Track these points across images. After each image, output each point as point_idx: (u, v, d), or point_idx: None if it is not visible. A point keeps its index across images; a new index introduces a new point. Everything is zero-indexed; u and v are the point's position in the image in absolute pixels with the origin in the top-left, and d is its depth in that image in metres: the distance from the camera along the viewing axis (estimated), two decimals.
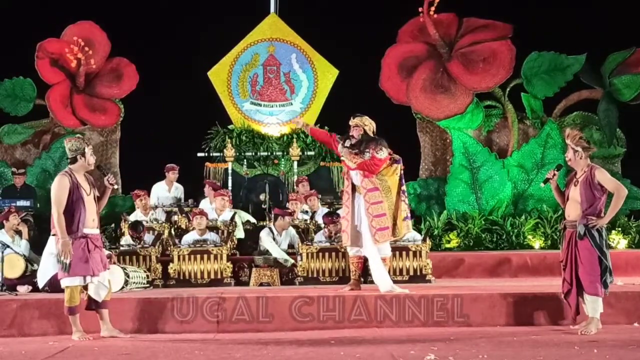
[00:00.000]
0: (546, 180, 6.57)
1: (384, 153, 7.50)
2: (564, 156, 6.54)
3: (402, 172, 7.74)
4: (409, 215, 7.78)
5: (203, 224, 9.13)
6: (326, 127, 13.28)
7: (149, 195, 10.71)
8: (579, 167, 6.37)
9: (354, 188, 7.66)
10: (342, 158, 7.70)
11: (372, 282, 8.68)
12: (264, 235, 9.23)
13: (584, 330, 6.21)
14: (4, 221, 9.09)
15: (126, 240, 9.35)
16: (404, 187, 7.73)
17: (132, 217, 10.08)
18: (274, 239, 9.14)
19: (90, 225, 6.34)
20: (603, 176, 6.28)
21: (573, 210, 6.34)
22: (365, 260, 7.90)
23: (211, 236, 9.10)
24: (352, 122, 7.71)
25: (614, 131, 12.21)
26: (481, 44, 12.17)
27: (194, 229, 9.67)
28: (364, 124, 7.64)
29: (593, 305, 6.23)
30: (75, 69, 12.47)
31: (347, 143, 7.64)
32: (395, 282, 8.63)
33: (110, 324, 6.47)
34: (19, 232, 9.20)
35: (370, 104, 12.67)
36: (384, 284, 7.46)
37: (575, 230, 6.27)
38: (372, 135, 7.64)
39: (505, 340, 5.94)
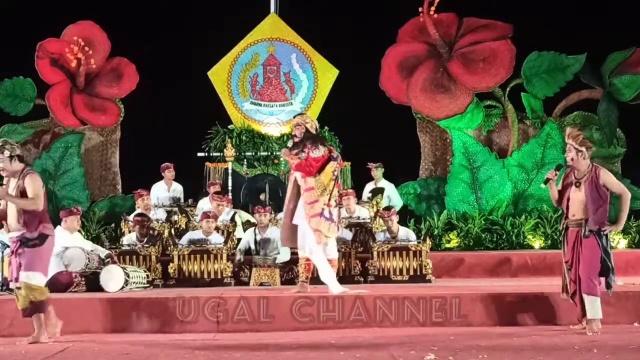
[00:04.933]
0: (547, 181, 6.45)
1: (319, 151, 7.42)
2: (565, 156, 6.41)
3: (337, 171, 7.49)
4: (332, 217, 7.37)
5: (212, 227, 9.14)
6: (326, 127, 13.41)
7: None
8: (582, 167, 6.24)
9: (298, 189, 7.55)
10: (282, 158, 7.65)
11: (372, 282, 8.71)
12: (245, 235, 9.31)
13: (587, 330, 6.16)
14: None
15: (128, 239, 9.34)
16: (338, 189, 7.55)
17: (132, 217, 10.06)
18: (255, 239, 9.12)
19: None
20: (608, 178, 6.21)
21: (578, 210, 6.22)
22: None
23: (216, 237, 9.10)
24: (293, 121, 7.77)
25: (614, 131, 12.21)
26: (481, 43, 12.18)
27: (194, 228, 9.68)
28: (305, 122, 7.64)
29: (592, 306, 6.16)
30: (75, 69, 12.48)
31: (290, 143, 7.62)
32: (395, 282, 8.70)
33: (38, 330, 6.20)
34: None
35: (370, 104, 12.74)
36: (334, 287, 7.36)
37: (581, 229, 6.18)
38: (314, 133, 7.63)
39: (505, 340, 5.94)
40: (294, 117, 7.88)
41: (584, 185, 6.19)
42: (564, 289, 6.48)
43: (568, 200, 6.29)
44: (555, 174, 6.40)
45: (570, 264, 6.29)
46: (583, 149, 6.21)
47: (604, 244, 6.16)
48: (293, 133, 7.71)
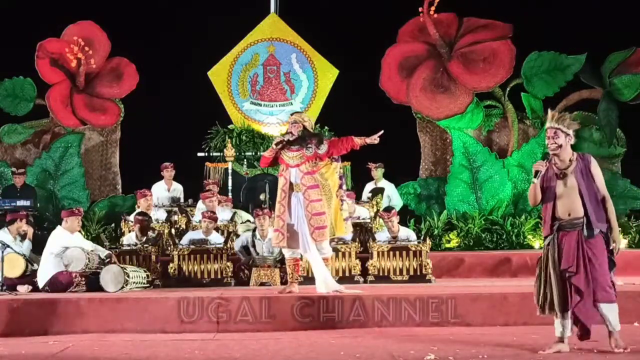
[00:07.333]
0: (536, 173, 5.38)
1: (324, 147, 7.47)
2: (547, 144, 5.40)
3: (341, 170, 7.69)
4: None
5: (211, 227, 9.14)
6: (326, 127, 13.42)
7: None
8: (567, 155, 5.31)
9: (290, 187, 7.51)
10: (266, 155, 7.63)
11: (372, 282, 8.71)
12: (242, 236, 9.25)
13: (614, 347, 5.32)
14: (16, 222, 8.95)
15: (128, 239, 9.34)
16: (344, 187, 7.66)
17: (132, 218, 10.05)
18: (254, 244, 8.98)
19: None
20: (598, 172, 5.33)
21: (573, 207, 5.26)
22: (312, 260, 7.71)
23: (216, 237, 9.09)
24: (290, 118, 7.73)
25: (614, 131, 12.21)
26: (481, 43, 12.19)
27: (194, 228, 9.68)
28: (303, 121, 7.62)
29: (613, 315, 5.34)
30: (75, 69, 12.48)
31: (286, 138, 7.53)
32: (395, 282, 8.69)
33: None
34: (22, 234, 9.12)
35: (370, 104, 12.73)
36: (326, 285, 7.35)
37: (582, 229, 5.25)
38: (311, 131, 7.65)
39: (505, 340, 5.94)
40: (292, 114, 7.85)
41: (573, 177, 5.28)
42: (545, 305, 5.39)
43: (555, 198, 5.35)
44: (546, 165, 5.38)
45: (574, 271, 5.25)
46: (571, 132, 5.31)
47: (609, 243, 5.37)
48: (288, 130, 7.63)
